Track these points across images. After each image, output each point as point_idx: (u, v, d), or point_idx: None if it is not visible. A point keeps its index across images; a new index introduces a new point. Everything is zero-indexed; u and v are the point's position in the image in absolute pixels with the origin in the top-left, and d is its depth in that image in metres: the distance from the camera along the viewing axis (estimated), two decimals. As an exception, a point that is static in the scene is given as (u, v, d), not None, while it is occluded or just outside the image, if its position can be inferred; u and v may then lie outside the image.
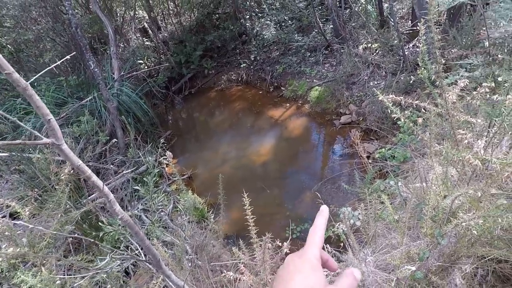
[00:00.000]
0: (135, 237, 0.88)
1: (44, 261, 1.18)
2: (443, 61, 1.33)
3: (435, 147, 0.94)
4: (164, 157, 2.49)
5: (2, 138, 3.66)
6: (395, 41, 4.47)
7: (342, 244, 2.00)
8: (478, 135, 1.13)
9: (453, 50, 3.08)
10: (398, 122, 3.05)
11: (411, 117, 1.31)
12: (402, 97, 1.03)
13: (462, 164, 1.08)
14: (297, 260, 0.44)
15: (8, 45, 4.74)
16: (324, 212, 0.49)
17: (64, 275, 2.57)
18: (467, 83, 0.96)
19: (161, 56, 6.62)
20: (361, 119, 4.25)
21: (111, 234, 2.02)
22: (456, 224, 0.75)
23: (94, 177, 0.70)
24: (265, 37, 6.16)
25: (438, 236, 0.83)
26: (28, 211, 1.27)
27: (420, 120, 1.00)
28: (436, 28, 0.97)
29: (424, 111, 1.02)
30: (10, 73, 0.56)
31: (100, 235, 2.07)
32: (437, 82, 1.02)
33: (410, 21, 5.01)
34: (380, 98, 1.04)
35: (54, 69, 5.02)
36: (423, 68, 1.50)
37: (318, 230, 0.46)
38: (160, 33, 7.42)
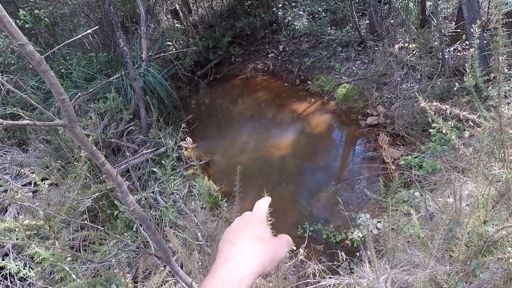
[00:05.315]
0: (146, 230, 0.85)
1: (58, 236, 1.20)
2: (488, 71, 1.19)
3: (488, 166, 0.84)
4: (184, 142, 2.49)
5: (33, 108, 3.81)
6: (436, 43, 4.18)
7: (358, 254, 1.91)
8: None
9: (500, 59, 2.82)
10: (430, 130, 2.87)
11: (450, 127, 1.19)
12: (448, 106, 0.92)
13: (507, 187, 0.96)
14: (248, 216, 0.51)
15: (45, 18, 4.88)
16: (268, 199, 0.58)
17: (80, 245, 2.67)
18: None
19: (190, 39, 6.61)
20: (388, 122, 4.06)
21: (126, 213, 2.05)
22: (501, 258, 0.66)
23: (108, 165, 0.67)
24: (296, 27, 5.97)
25: (477, 267, 0.74)
26: (47, 184, 1.29)
27: (467, 133, 0.89)
28: (504, 31, 0.84)
29: (472, 123, 0.91)
30: (23, 44, 0.51)
31: (115, 213, 2.10)
32: (494, 93, 0.90)
33: (454, 23, 4.66)
34: (422, 105, 0.93)
35: (86, 44, 5.14)
36: (470, 75, 1.35)
37: (264, 201, 0.56)
38: (191, 16, 7.40)
